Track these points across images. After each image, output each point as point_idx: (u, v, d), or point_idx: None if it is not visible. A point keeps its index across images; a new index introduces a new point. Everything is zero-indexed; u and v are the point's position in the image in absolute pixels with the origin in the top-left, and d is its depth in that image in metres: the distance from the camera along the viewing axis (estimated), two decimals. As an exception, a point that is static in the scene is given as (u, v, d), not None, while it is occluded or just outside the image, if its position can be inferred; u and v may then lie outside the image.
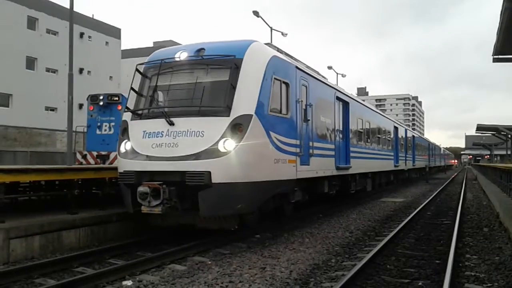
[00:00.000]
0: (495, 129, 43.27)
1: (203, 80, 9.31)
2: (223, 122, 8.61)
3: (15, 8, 40.78)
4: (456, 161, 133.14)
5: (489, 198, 20.17)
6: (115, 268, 7.31)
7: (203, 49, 9.64)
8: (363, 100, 21.92)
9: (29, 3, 42.38)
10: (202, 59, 9.45)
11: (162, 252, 8.34)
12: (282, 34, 34.29)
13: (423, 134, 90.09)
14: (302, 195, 11.60)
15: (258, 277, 7.05)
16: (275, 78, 9.67)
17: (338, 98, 14.49)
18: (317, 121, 12.12)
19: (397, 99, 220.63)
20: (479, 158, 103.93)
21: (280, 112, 9.85)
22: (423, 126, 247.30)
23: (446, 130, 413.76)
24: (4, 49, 38.55)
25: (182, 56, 9.63)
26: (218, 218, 8.89)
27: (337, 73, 46.72)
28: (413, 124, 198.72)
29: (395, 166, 24.72)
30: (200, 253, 8.67)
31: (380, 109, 40.75)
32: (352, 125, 15.83)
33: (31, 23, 42.74)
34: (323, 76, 14.37)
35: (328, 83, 14.08)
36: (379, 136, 20.86)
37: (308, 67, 12.98)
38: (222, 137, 8.51)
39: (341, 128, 14.71)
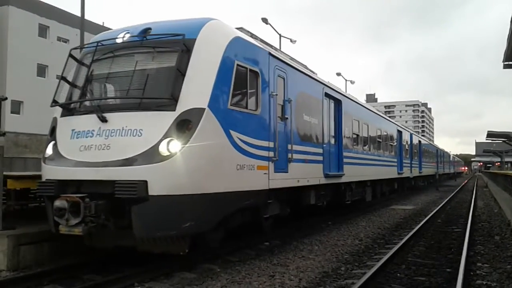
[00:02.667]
0: (506, 136, 42.90)
1: (146, 67, 7.78)
2: (167, 118, 7.05)
3: (27, 16, 41.26)
4: (466, 168, 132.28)
5: (500, 205, 19.98)
6: (124, 276, 7.31)
7: (149, 29, 8.06)
8: (373, 107, 21.43)
9: (40, 11, 42.87)
10: (145, 40, 7.84)
11: (171, 259, 8.29)
12: (291, 41, 34.27)
13: (432, 141, 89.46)
14: (280, 208, 9.92)
15: (267, 285, 7.02)
16: (238, 65, 8.04)
17: (327, 95, 12.65)
18: (298, 120, 10.44)
19: (407, 105, 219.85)
20: (490, 165, 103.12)
21: (246, 107, 8.21)
22: (432, 133, 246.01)
23: (454, 136, 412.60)
24: (15, 57, 39.01)
25: (124, 38, 8.09)
26: (164, 239, 7.18)
27: (346, 80, 46.77)
28: (423, 131, 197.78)
29: (398, 173, 23.28)
30: (209, 260, 8.58)
31: (389, 116, 40.40)
32: (345, 126, 14.02)
33: (42, 31, 43.21)
34: (310, 70, 12.71)
35: (314, 77, 12.23)
36: (379, 140, 19.10)
37: (292, 59, 11.48)
38: (165, 136, 6.92)
39: (331, 130, 13.00)
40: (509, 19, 12.61)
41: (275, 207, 9.64)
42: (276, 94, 9.25)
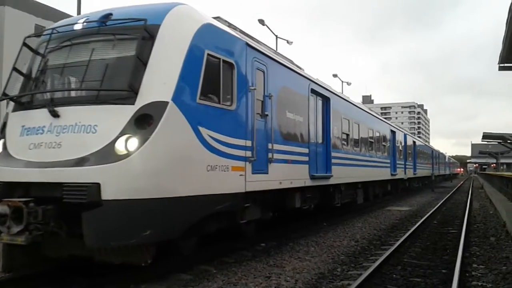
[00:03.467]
0: (501, 138, 43.21)
1: (104, 56, 6.99)
2: (125, 113, 6.31)
3: (23, 16, 41.10)
4: (462, 169, 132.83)
5: (495, 207, 20.03)
6: (120, 278, 7.27)
7: (110, 14, 7.29)
8: (368, 108, 21.28)
9: (37, 11, 42.72)
10: (104, 26, 7.09)
11: (167, 261, 8.28)
12: (288, 42, 34.28)
13: (428, 142, 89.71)
14: (261, 213, 9.20)
15: (263, 286, 7.01)
16: (209, 55, 7.29)
17: (314, 92, 11.87)
18: (280, 117, 9.73)
19: (403, 107, 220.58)
20: (485, 166, 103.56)
21: (219, 101, 7.45)
22: (428, 134, 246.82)
23: (450, 138, 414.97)
24: (11, 57, 38.78)
25: (82, 24, 7.33)
26: (124, 248, 6.48)
27: (342, 81, 46.86)
28: (419, 132, 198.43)
29: (392, 174, 22.59)
30: (205, 261, 8.51)
31: (385, 117, 40.41)
32: (334, 125, 13.26)
33: (39, 31, 43.08)
34: (296, 65, 11.97)
35: (300, 72, 11.42)
36: (371, 140, 18.41)
37: (276, 52, 10.89)
38: (122, 133, 6.19)
39: (318, 129, 12.25)
40: (505, 21, 12.68)
41: (255, 212, 8.93)
42: (255, 89, 8.53)
